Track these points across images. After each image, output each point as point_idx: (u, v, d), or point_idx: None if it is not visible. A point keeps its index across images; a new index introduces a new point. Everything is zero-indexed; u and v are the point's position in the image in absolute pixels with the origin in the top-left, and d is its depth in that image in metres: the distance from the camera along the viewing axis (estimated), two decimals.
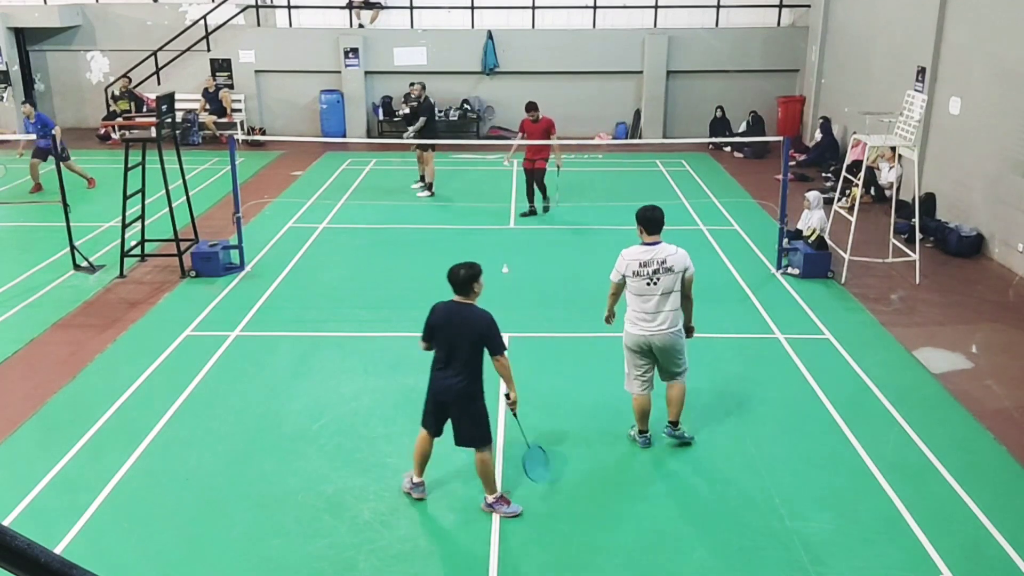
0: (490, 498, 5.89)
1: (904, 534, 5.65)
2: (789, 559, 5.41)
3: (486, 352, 5.59)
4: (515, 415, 5.87)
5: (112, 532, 5.72)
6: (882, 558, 5.42)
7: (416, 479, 6.05)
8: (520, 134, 13.43)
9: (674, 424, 6.67)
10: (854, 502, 6.00)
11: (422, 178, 14.78)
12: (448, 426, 5.82)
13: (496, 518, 5.81)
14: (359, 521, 5.81)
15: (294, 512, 5.90)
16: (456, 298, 5.66)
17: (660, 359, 6.44)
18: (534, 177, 13.20)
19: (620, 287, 6.40)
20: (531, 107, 13.13)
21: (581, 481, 6.29)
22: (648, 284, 6.21)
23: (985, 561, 5.41)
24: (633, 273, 6.24)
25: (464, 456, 6.59)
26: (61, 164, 11.58)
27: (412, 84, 15.02)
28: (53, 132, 13.24)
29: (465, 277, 5.60)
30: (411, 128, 14.50)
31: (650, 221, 6.30)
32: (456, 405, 5.68)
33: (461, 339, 5.54)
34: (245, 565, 5.41)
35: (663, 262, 6.20)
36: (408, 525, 5.78)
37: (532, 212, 13.30)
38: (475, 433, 5.73)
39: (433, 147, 14.45)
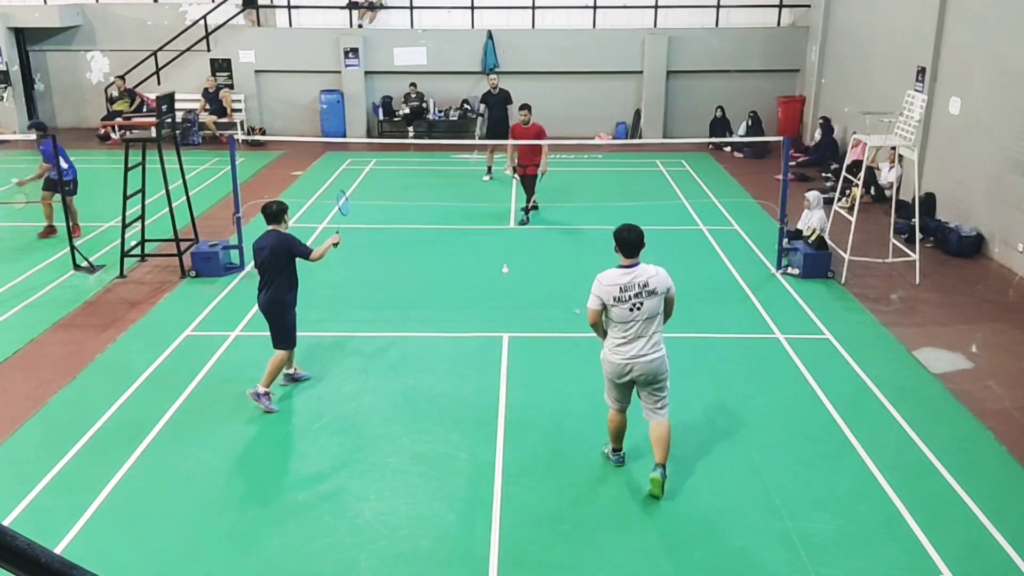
0: (260, 387, 7.16)
1: (904, 534, 5.65)
2: (789, 559, 5.41)
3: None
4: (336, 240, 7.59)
5: (112, 532, 5.72)
6: (882, 558, 5.42)
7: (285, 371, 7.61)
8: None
9: (662, 466, 6.04)
10: (854, 502, 6.00)
11: (489, 169, 15.69)
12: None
13: (496, 518, 5.81)
14: (359, 521, 5.81)
15: (294, 512, 5.90)
16: (270, 227, 7.17)
17: (641, 390, 5.99)
18: (525, 183, 12.93)
19: (599, 315, 5.87)
20: (524, 108, 13.00)
21: (581, 481, 6.28)
22: (631, 310, 5.73)
23: (985, 561, 5.41)
24: (614, 300, 5.73)
25: (464, 458, 6.61)
26: (64, 195, 11.43)
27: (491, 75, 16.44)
28: (68, 171, 11.88)
29: (276, 210, 7.21)
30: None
31: (627, 243, 5.79)
32: (267, 312, 7.17)
33: (274, 256, 7.02)
34: (245, 565, 5.41)
35: (645, 285, 5.72)
36: (409, 525, 5.78)
37: (526, 221, 12.87)
38: (278, 336, 7.22)
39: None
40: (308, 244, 7.46)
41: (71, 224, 11.79)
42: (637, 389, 6.04)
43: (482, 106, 15.82)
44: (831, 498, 6.05)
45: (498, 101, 15.96)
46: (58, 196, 11.81)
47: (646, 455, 6.45)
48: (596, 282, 5.86)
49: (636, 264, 5.81)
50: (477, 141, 15.42)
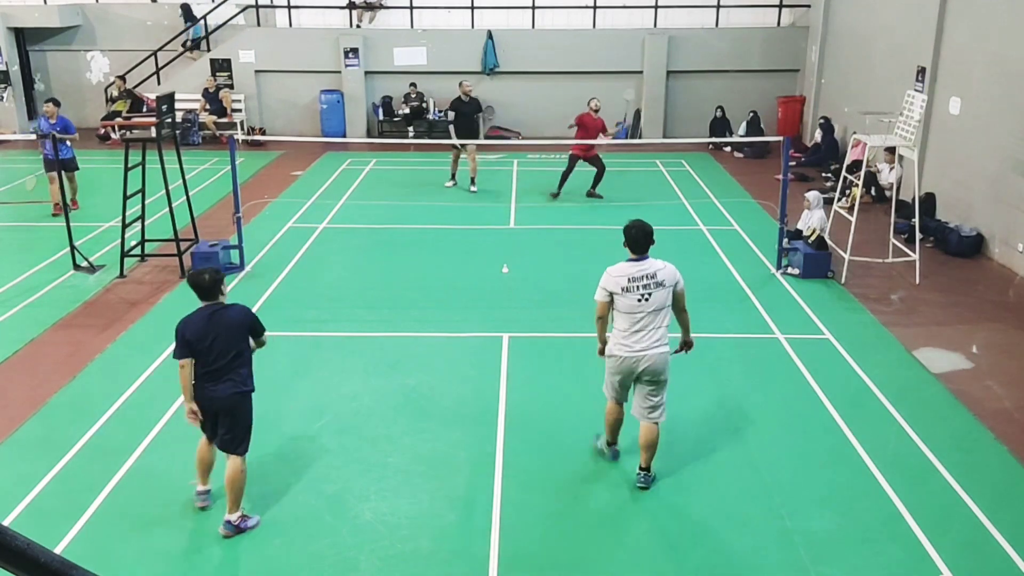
0: (234, 516, 5.63)
1: (904, 534, 5.65)
2: (789, 559, 5.41)
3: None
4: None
5: (112, 532, 5.71)
6: (882, 557, 5.42)
7: (202, 487, 5.94)
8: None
9: (646, 470, 6.13)
10: (854, 502, 6.00)
11: (453, 175, 15.31)
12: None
13: (496, 518, 5.81)
14: (360, 521, 5.81)
15: (295, 512, 5.90)
16: (206, 303, 5.52)
17: (641, 388, 6.02)
18: (594, 164, 14.39)
19: (607, 308, 5.95)
20: (595, 99, 14.44)
21: (582, 481, 6.28)
22: (640, 300, 5.80)
23: (985, 561, 5.41)
24: (623, 289, 5.82)
25: (464, 458, 6.60)
26: (63, 172, 11.51)
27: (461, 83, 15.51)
28: (68, 141, 12.53)
29: (211, 281, 5.49)
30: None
31: (635, 240, 5.90)
32: (232, 406, 5.52)
33: (230, 337, 5.42)
34: (246, 565, 5.41)
35: (653, 276, 5.82)
36: (409, 525, 5.78)
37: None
38: (241, 438, 5.61)
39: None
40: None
41: (70, 199, 12.72)
42: (636, 387, 6.05)
43: (451, 113, 14.82)
44: (831, 497, 6.05)
45: (469, 109, 14.97)
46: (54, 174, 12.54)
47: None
48: (605, 274, 5.95)
49: (645, 258, 5.92)
50: (453, 140, 14.85)
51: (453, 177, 15.28)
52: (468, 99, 14.95)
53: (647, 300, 5.81)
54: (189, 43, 19.71)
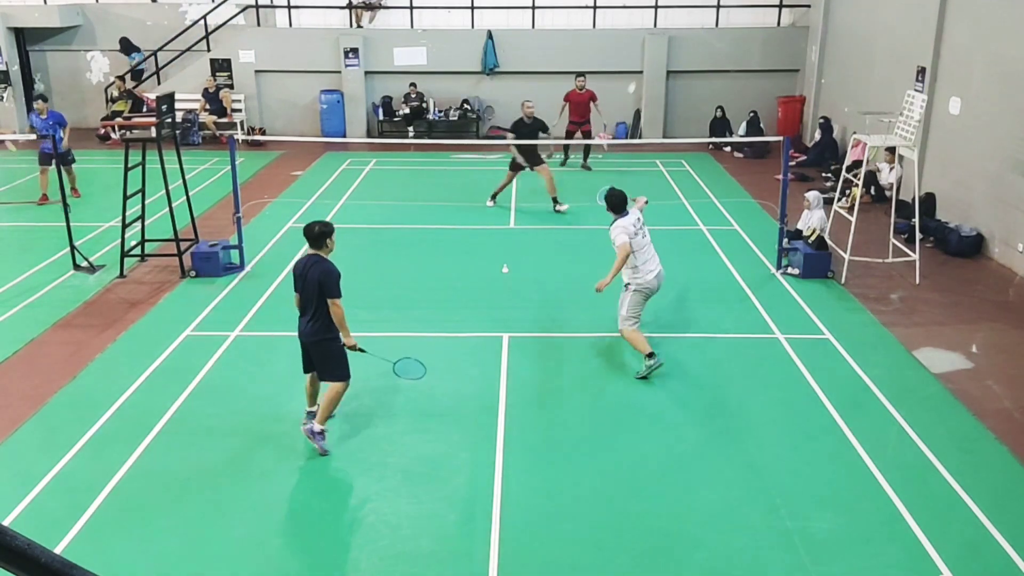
0: (316, 426, 6.51)
1: (904, 534, 5.65)
2: (789, 559, 5.41)
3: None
4: (361, 350, 6.56)
5: (112, 532, 5.72)
6: (882, 557, 5.43)
7: (308, 408, 6.76)
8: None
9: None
10: (854, 502, 6.00)
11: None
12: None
13: (496, 518, 5.81)
14: (360, 521, 5.81)
15: (294, 512, 5.90)
16: (310, 251, 6.45)
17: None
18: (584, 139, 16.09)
19: (630, 246, 7.69)
20: (581, 76, 15.92)
21: (582, 481, 6.28)
22: (643, 237, 7.87)
23: (985, 561, 5.41)
24: (633, 235, 7.72)
25: (464, 458, 6.61)
26: (62, 167, 11.57)
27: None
28: (62, 133, 13.03)
29: (319, 232, 6.43)
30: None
31: (619, 203, 7.96)
32: (313, 346, 6.47)
33: (311, 287, 6.29)
34: (246, 565, 5.41)
35: (639, 219, 7.97)
36: (409, 525, 5.78)
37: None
38: (332, 370, 6.54)
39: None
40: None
41: (70, 188, 13.44)
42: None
43: (509, 135, 13.75)
44: (831, 498, 6.05)
45: (532, 131, 13.60)
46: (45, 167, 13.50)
47: (647, 462, 6.45)
48: (618, 227, 7.79)
49: (627, 214, 7.94)
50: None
51: (494, 198, 13.87)
52: (531, 120, 13.61)
53: (646, 236, 7.94)
54: (128, 75, 19.23)
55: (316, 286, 6.26)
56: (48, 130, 13.00)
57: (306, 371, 6.73)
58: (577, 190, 14.11)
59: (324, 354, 6.50)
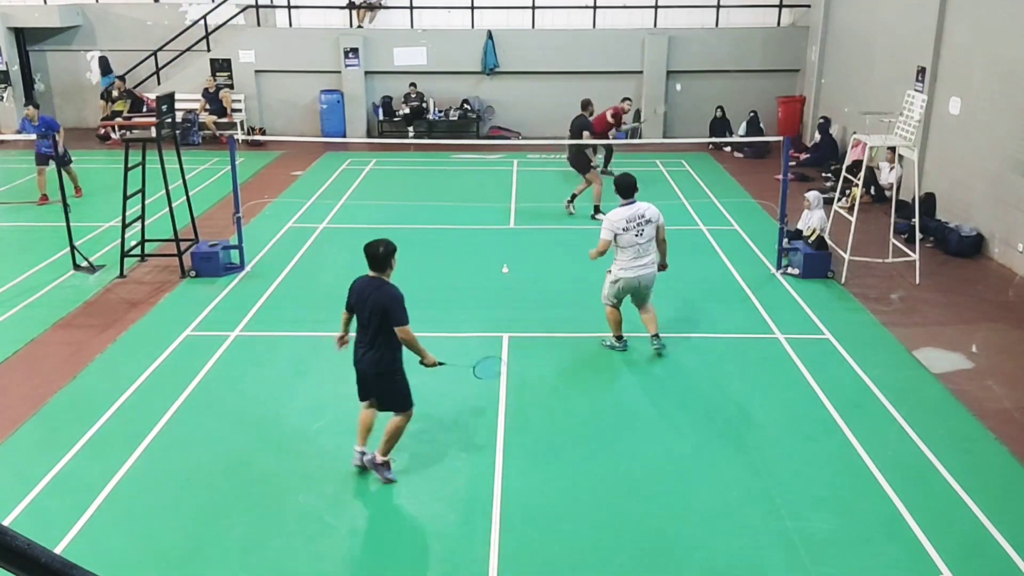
0: (379, 456, 6.08)
1: (904, 534, 5.65)
2: (789, 559, 5.41)
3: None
4: (442, 364, 6.12)
5: (112, 532, 5.72)
6: (882, 558, 5.42)
7: (358, 447, 6.26)
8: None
9: (657, 336, 8.12)
10: (854, 502, 6.00)
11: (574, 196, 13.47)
12: None
13: (496, 518, 5.81)
14: (360, 521, 5.81)
15: (294, 512, 5.90)
16: (371, 274, 5.93)
17: (639, 295, 8.02)
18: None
19: (610, 244, 7.82)
20: (627, 99, 15.33)
21: (582, 482, 6.28)
22: (636, 236, 7.75)
23: (985, 561, 5.41)
24: (623, 229, 7.73)
25: (464, 458, 6.61)
26: (62, 168, 11.57)
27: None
28: (56, 135, 13.03)
29: (384, 254, 5.91)
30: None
31: (625, 186, 7.88)
32: (375, 379, 5.97)
33: (372, 313, 5.77)
34: (245, 565, 5.41)
35: (643, 215, 7.78)
36: (409, 525, 5.78)
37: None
38: (398, 402, 6.04)
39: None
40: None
41: (73, 188, 13.80)
42: (637, 294, 8.02)
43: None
44: (831, 498, 6.05)
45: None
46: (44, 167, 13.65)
47: (647, 462, 6.45)
48: (607, 219, 7.86)
49: (633, 202, 7.86)
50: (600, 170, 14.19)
51: (572, 201, 13.38)
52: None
53: (641, 235, 7.79)
54: (104, 93, 19.12)
55: (380, 314, 5.70)
56: (40, 144, 13.25)
57: (363, 399, 6.15)
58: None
59: (390, 388, 6.00)
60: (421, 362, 6.01)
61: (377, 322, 5.74)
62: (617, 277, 7.94)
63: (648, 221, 7.79)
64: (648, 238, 7.83)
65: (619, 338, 8.28)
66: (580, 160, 13.24)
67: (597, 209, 12.92)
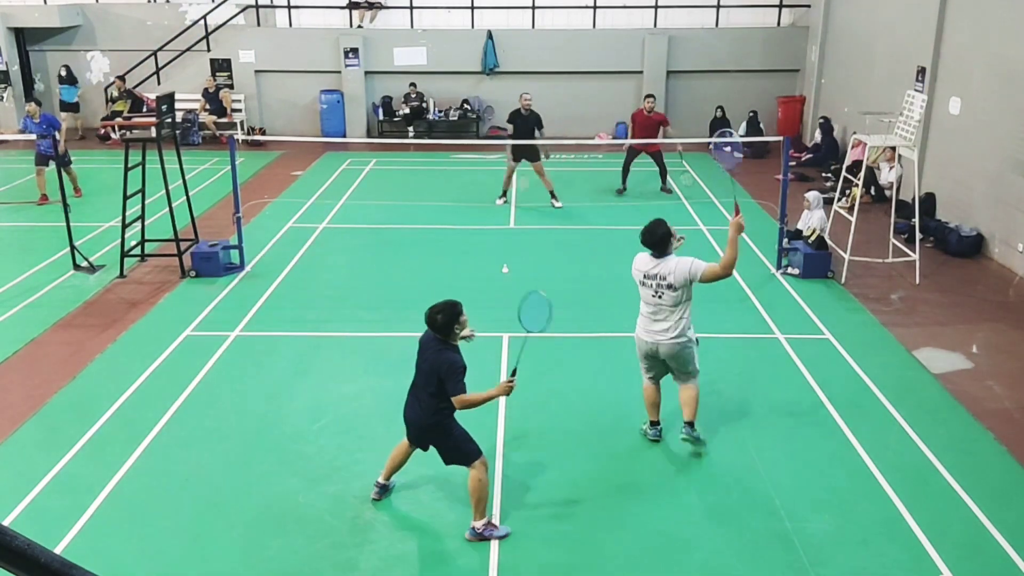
0: (478, 524, 5.60)
1: (904, 534, 5.65)
2: (789, 559, 5.41)
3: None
4: (512, 375, 5.63)
5: (112, 532, 5.72)
6: (882, 558, 5.42)
7: (381, 479, 6.04)
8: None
9: (690, 424, 6.53)
10: (854, 502, 6.00)
11: (504, 192, 14.05)
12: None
13: (496, 517, 5.80)
14: (360, 521, 5.81)
15: (295, 512, 5.90)
16: (437, 335, 5.53)
17: (669, 365, 6.52)
18: (655, 160, 14.58)
19: None
20: (650, 97, 14.65)
21: (582, 482, 6.28)
22: (654, 296, 6.29)
23: (985, 561, 5.41)
24: (640, 282, 6.38)
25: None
26: (62, 168, 11.58)
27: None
28: (56, 133, 13.07)
29: (443, 323, 5.45)
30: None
31: (645, 241, 6.34)
32: (427, 431, 5.62)
33: (429, 373, 5.46)
34: (245, 565, 5.41)
35: (664, 279, 6.21)
36: (409, 525, 5.78)
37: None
38: (461, 452, 5.60)
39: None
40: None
41: (73, 188, 13.77)
42: (666, 364, 6.51)
43: (510, 126, 13.74)
44: (831, 498, 6.05)
45: (527, 123, 13.58)
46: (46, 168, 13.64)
47: (647, 462, 6.45)
48: (635, 259, 6.47)
49: (662, 257, 6.26)
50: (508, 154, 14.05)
51: (504, 194, 14.03)
52: (528, 112, 13.61)
53: (661, 298, 6.27)
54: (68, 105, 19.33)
55: (435, 376, 5.40)
56: (41, 132, 13.17)
57: (412, 445, 5.87)
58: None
59: (443, 435, 5.59)
60: (496, 393, 5.58)
61: (434, 384, 5.43)
62: (635, 334, 6.55)
63: (670, 287, 6.20)
64: (674, 303, 6.23)
65: (653, 424, 6.76)
66: (533, 151, 13.65)
67: (553, 195, 13.77)
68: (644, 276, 6.31)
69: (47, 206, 13.56)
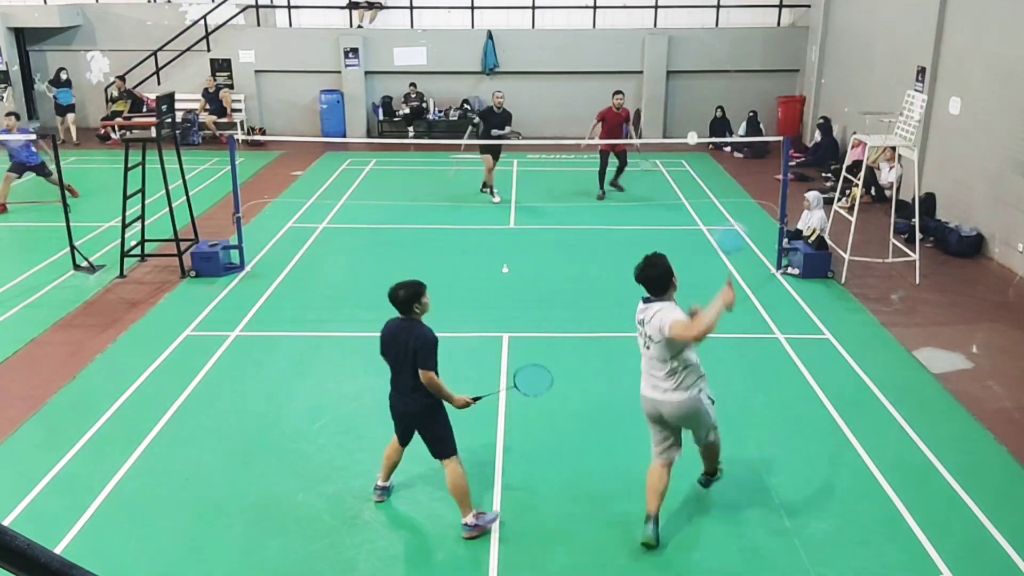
0: (470, 518, 5.56)
1: (904, 534, 5.65)
2: (789, 559, 5.41)
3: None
4: (477, 399, 5.62)
5: (112, 532, 5.71)
6: (882, 558, 5.42)
7: (381, 482, 6.03)
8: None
9: (709, 475, 5.94)
10: (854, 502, 6.00)
11: (492, 189, 14.36)
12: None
13: (497, 513, 5.80)
14: (359, 521, 5.81)
15: (294, 512, 5.90)
16: (400, 317, 5.52)
17: (681, 427, 5.53)
18: (619, 159, 14.54)
19: None
20: (619, 93, 14.38)
21: (581, 482, 6.28)
22: (644, 346, 5.35)
23: (985, 561, 5.41)
24: (637, 332, 5.41)
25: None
26: (42, 177, 11.64)
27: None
28: (33, 148, 13.03)
29: (404, 297, 5.47)
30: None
31: (638, 280, 5.29)
32: (418, 418, 5.58)
33: (406, 357, 5.40)
34: (245, 565, 5.41)
35: (644, 327, 5.25)
36: (408, 525, 5.78)
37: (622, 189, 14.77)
38: (443, 443, 5.58)
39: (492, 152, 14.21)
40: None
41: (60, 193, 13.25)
42: (677, 427, 5.54)
43: (481, 124, 14.03)
44: (831, 498, 6.05)
45: (496, 121, 13.94)
46: (29, 175, 13.66)
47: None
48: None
49: (652, 302, 5.25)
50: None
51: (491, 190, 14.26)
52: (500, 110, 13.92)
53: (648, 349, 5.31)
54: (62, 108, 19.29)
55: (411, 357, 5.34)
56: (20, 154, 13.17)
57: (402, 444, 5.87)
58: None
59: (432, 420, 5.54)
60: (455, 405, 5.55)
61: (412, 363, 5.37)
62: (641, 392, 5.51)
63: (650, 338, 5.22)
64: (659, 357, 5.24)
65: (649, 518, 5.48)
66: (498, 149, 14.16)
67: (491, 190, 14.25)
68: (638, 322, 5.32)
69: (48, 205, 13.50)
